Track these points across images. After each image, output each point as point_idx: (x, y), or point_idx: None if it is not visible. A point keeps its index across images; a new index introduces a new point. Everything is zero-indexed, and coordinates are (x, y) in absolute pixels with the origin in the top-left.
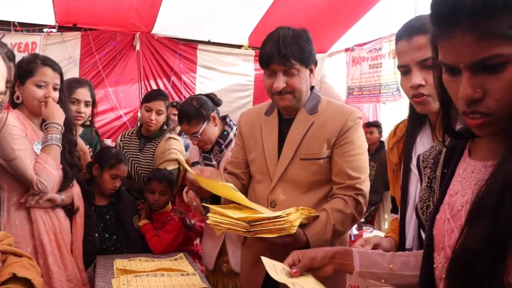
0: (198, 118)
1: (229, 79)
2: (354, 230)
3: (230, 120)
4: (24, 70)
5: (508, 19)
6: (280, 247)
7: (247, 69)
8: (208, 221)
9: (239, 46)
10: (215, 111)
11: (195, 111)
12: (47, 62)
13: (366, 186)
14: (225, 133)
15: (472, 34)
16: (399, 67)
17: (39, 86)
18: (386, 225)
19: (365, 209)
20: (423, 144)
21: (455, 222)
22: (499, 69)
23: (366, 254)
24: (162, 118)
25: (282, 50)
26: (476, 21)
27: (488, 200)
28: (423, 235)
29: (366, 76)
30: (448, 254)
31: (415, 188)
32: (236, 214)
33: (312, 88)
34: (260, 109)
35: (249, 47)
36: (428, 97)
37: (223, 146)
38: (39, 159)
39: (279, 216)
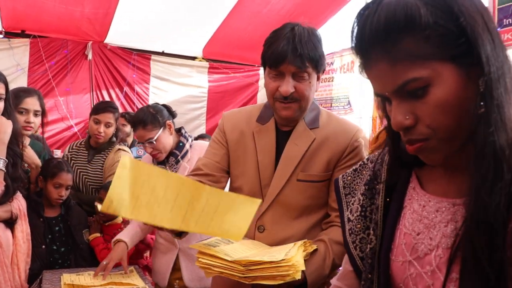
0: (154, 124)
1: (183, 91)
2: None
3: (186, 132)
4: None
5: (414, 38)
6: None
7: (200, 80)
8: (196, 263)
9: (193, 58)
10: (171, 120)
11: (151, 116)
12: None
13: None
14: (181, 144)
15: (384, 61)
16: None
17: None
18: None
19: None
20: None
21: (422, 267)
22: (423, 94)
23: None
24: (111, 130)
25: (298, 49)
26: (384, 48)
27: (481, 254)
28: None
29: (318, 89)
30: None
31: None
32: (229, 253)
33: None
34: (249, 114)
35: (203, 58)
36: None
37: (179, 157)
38: None
39: (282, 261)
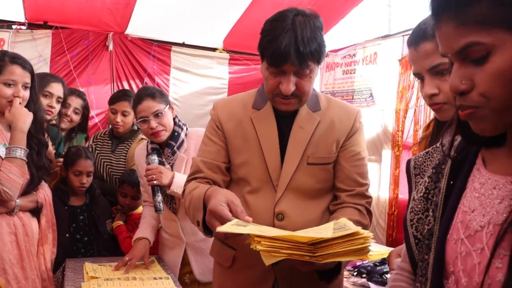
0: (162, 98)
1: (203, 82)
2: None
3: (179, 120)
4: None
5: (483, 6)
6: (299, 268)
7: (221, 72)
8: (258, 247)
9: (214, 49)
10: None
11: (159, 91)
12: (16, 60)
13: (370, 194)
14: (176, 134)
15: (452, 22)
16: (414, 74)
17: (8, 85)
18: None
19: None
20: None
21: (472, 244)
22: (484, 61)
23: None
24: (130, 118)
25: (301, 49)
26: (455, 9)
27: None
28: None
29: (339, 81)
30: (459, 279)
31: None
32: (282, 232)
33: None
34: (243, 101)
35: (223, 50)
36: (444, 104)
37: (175, 147)
38: (3, 167)
39: (354, 233)
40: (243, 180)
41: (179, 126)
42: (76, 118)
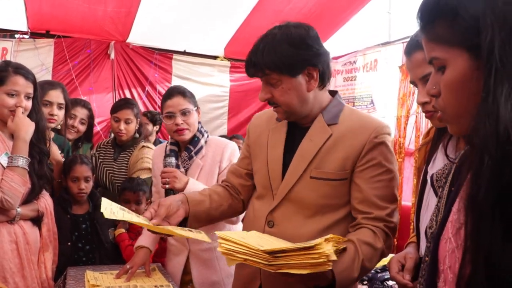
0: (191, 98)
1: (204, 90)
2: None
3: (202, 127)
4: None
5: (445, 25)
6: (299, 283)
7: (222, 80)
8: (219, 249)
9: (215, 57)
10: None
11: (189, 91)
12: (19, 70)
13: (396, 217)
14: (196, 139)
15: (425, 37)
16: (410, 82)
17: (11, 95)
18: None
19: (393, 243)
20: (443, 157)
21: (456, 241)
22: (443, 72)
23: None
24: (132, 126)
25: (253, 59)
26: (427, 25)
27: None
28: None
29: (340, 88)
30: (447, 276)
31: (427, 197)
32: (250, 241)
33: (335, 93)
34: (272, 114)
35: (224, 58)
36: (435, 112)
37: (192, 152)
38: (5, 176)
39: (311, 247)
40: (255, 185)
41: (201, 132)
42: (83, 128)
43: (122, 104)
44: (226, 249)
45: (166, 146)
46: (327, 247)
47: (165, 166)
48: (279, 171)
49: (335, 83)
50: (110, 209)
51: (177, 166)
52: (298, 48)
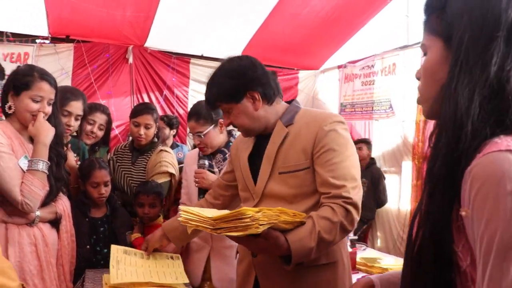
0: (207, 119)
1: None
2: (348, 248)
3: (233, 129)
4: (20, 82)
5: (434, 18)
6: (260, 253)
7: None
8: (179, 219)
9: None
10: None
11: (205, 111)
12: (45, 76)
13: (355, 194)
14: (230, 144)
15: (423, 28)
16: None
17: (35, 100)
18: (379, 243)
19: (357, 218)
20: None
21: None
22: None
23: (386, 278)
24: (152, 131)
25: (206, 95)
26: (425, 19)
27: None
28: None
29: (358, 93)
30: None
31: None
32: (205, 213)
33: (290, 101)
34: None
35: None
36: None
37: (227, 155)
38: (25, 179)
39: (241, 213)
40: (240, 194)
41: (234, 136)
42: (101, 133)
43: (142, 109)
44: (184, 218)
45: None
46: (258, 214)
47: (199, 167)
48: (248, 172)
49: (353, 87)
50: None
51: (210, 166)
52: (233, 78)
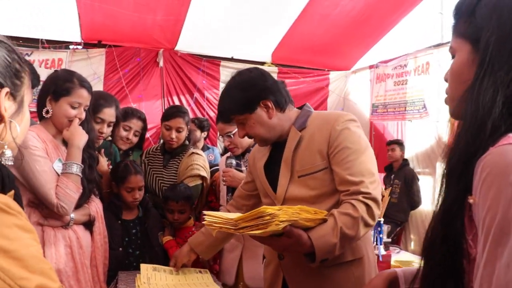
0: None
1: None
2: (382, 250)
3: None
4: (60, 88)
5: (463, 21)
6: (284, 252)
7: None
8: (204, 222)
9: (262, 63)
10: None
11: None
12: (84, 83)
13: (374, 189)
14: None
15: (452, 31)
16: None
17: (73, 107)
18: (412, 246)
19: (377, 212)
20: None
21: None
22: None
23: (410, 271)
24: (183, 134)
25: (219, 109)
26: (454, 23)
27: None
28: None
29: (391, 93)
30: None
31: None
32: (227, 215)
33: (301, 106)
34: None
35: (272, 63)
36: None
37: None
38: (60, 183)
39: (261, 211)
40: (262, 199)
41: None
42: (136, 139)
43: (173, 112)
44: (208, 222)
45: None
46: (278, 212)
47: (226, 166)
48: (264, 180)
49: (385, 87)
50: (146, 274)
51: (238, 166)
52: (245, 90)
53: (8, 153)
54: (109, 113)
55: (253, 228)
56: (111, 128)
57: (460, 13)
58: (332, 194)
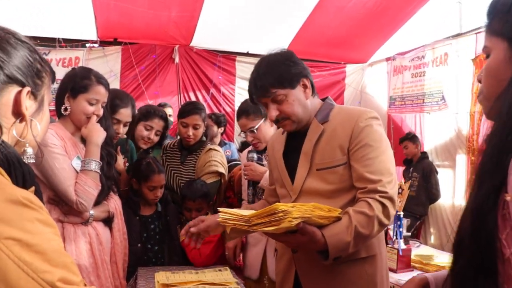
0: (256, 114)
1: None
2: (402, 245)
3: None
4: (78, 85)
5: (498, 20)
6: (298, 248)
7: None
8: (218, 219)
9: None
10: None
11: (254, 107)
12: (102, 80)
13: (391, 189)
14: None
15: (485, 30)
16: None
17: (91, 103)
18: (432, 240)
19: (393, 212)
20: None
21: None
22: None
23: (441, 276)
24: (200, 131)
25: (258, 83)
26: (488, 21)
27: None
28: None
29: (408, 85)
30: None
31: None
32: (241, 212)
33: (324, 99)
34: (278, 132)
35: None
36: None
37: None
38: (79, 179)
39: (274, 208)
40: (277, 190)
41: None
42: (156, 139)
43: (190, 109)
44: (223, 219)
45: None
46: (291, 209)
47: (247, 161)
48: (284, 169)
49: (402, 79)
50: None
51: (260, 160)
52: (289, 65)
53: (30, 151)
54: (125, 113)
55: (266, 224)
56: (127, 128)
57: (495, 12)
58: (349, 190)
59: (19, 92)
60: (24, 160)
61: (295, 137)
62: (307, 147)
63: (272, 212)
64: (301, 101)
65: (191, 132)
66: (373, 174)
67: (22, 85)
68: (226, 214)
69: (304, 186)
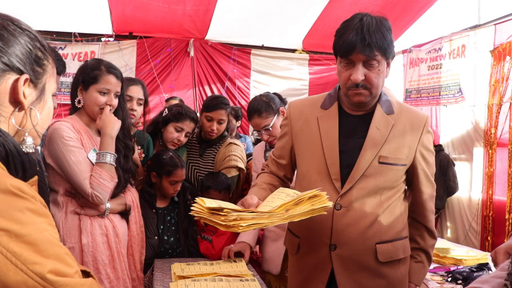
0: (268, 111)
1: (283, 84)
2: None
3: None
4: (89, 76)
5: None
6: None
7: (301, 73)
8: (239, 230)
9: (293, 50)
10: (283, 107)
11: (265, 104)
12: (112, 70)
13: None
14: None
15: None
16: None
17: (102, 93)
18: (449, 233)
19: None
20: None
21: None
22: None
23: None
24: (224, 126)
25: (367, 39)
26: None
27: None
28: None
29: (424, 78)
30: None
31: None
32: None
33: None
34: (314, 101)
35: (303, 51)
36: None
37: None
38: (94, 172)
39: (315, 195)
40: (306, 174)
41: None
42: (186, 140)
43: (217, 104)
44: (195, 211)
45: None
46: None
47: (265, 159)
48: (336, 157)
49: (419, 72)
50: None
51: None
52: (391, 35)
53: (29, 140)
54: (135, 90)
55: (218, 223)
56: (142, 108)
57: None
58: (394, 188)
59: (17, 80)
60: (24, 150)
61: (348, 118)
62: (377, 136)
63: (222, 213)
64: (383, 77)
65: (215, 126)
66: (430, 211)
67: (20, 72)
68: (244, 222)
69: (363, 177)
